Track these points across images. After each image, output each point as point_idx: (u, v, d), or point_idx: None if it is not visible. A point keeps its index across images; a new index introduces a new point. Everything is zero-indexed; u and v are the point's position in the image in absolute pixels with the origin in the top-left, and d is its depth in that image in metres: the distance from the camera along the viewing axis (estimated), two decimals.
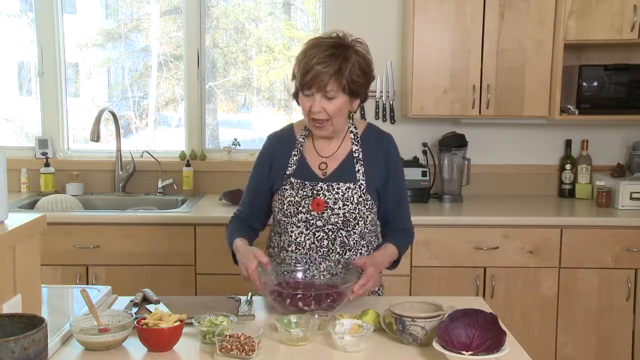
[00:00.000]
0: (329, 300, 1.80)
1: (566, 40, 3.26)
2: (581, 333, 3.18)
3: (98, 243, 3.08)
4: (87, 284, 3.00)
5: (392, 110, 3.66)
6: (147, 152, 3.65)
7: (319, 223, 2.01)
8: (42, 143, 3.67)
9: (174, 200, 3.55)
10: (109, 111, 3.57)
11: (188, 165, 3.61)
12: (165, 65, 3.92)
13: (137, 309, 1.86)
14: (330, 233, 2.02)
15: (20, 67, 3.93)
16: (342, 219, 2.00)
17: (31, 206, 3.37)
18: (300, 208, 2.01)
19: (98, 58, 3.95)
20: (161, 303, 1.90)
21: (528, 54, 3.30)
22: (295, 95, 2.01)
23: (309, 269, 1.99)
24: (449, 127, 3.64)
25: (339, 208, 2.00)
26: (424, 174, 3.44)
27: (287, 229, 2.05)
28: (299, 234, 2.03)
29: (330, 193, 2.00)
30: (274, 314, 1.83)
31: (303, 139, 2.10)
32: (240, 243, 1.99)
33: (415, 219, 3.12)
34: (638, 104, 3.35)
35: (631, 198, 3.30)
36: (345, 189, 2.01)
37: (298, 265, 2.00)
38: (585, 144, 3.64)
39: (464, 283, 3.13)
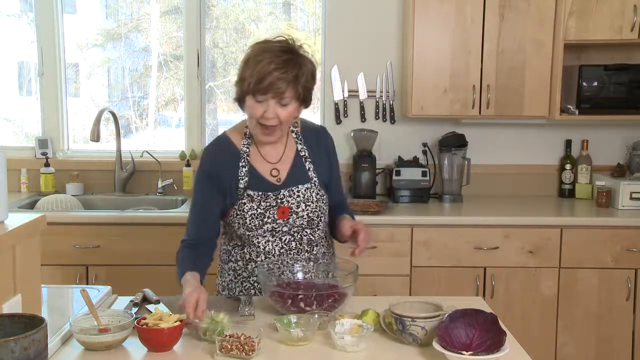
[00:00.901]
0: (330, 300, 1.80)
1: (566, 40, 3.25)
2: (581, 333, 3.18)
3: (98, 243, 3.08)
4: (87, 284, 3.00)
5: (392, 110, 3.66)
6: (147, 152, 3.65)
7: (285, 228, 1.99)
8: (42, 143, 3.67)
9: (174, 200, 3.55)
10: (109, 111, 3.57)
11: (188, 165, 3.61)
12: (165, 65, 3.92)
13: (137, 309, 1.86)
14: (296, 234, 2.01)
15: (20, 67, 3.93)
16: (306, 219, 2.00)
17: (31, 206, 3.37)
18: (265, 219, 1.97)
19: (98, 58, 3.95)
20: (161, 303, 1.90)
21: (528, 54, 3.30)
22: (240, 100, 1.94)
23: (283, 274, 1.95)
24: (449, 127, 3.64)
25: (302, 210, 1.99)
26: (424, 174, 3.44)
27: (252, 241, 2.00)
28: (266, 243, 2.00)
29: (292, 198, 1.98)
30: (274, 314, 1.82)
31: (247, 148, 2.02)
32: (189, 277, 1.87)
33: (415, 219, 3.15)
34: (638, 104, 3.35)
35: (631, 198, 3.30)
36: (305, 190, 2.00)
37: (297, 265, 1.99)
38: (585, 144, 3.64)
39: (464, 283, 3.13)
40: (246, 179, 1.98)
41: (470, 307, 1.62)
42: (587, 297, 3.15)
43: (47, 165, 3.59)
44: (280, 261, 1.98)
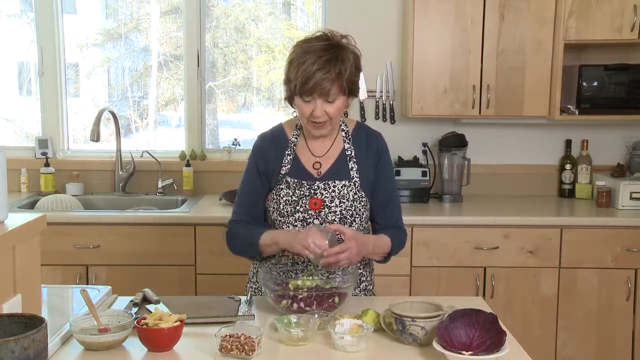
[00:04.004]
0: (330, 300, 1.80)
1: (566, 40, 3.26)
2: (581, 333, 3.18)
3: (98, 243, 3.08)
4: (87, 284, 3.00)
5: (392, 110, 3.66)
6: (147, 152, 3.65)
7: (316, 221, 2.01)
8: (42, 143, 3.67)
9: (174, 200, 3.55)
10: (109, 111, 3.57)
11: (188, 165, 3.61)
12: (165, 65, 3.92)
13: (137, 309, 1.86)
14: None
15: (20, 67, 3.93)
16: (339, 216, 2.01)
17: (31, 206, 3.37)
18: (298, 207, 2.00)
19: (98, 58, 3.95)
20: (161, 303, 1.89)
21: (528, 54, 3.30)
22: (290, 99, 1.99)
23: (306, 268, 1.99)
24: (449, 127, 3.64)
25: (336, 206, 2.00)
26: (424, 174, 3.44)
27: (283, 228, 2.04)
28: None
29: (326, 191, 2.01)
30: (274, 314, 1.82)
31: (295, 138, 2.08)
32: (272, 232, 1.98)
33: (415, 219, 3.15)
34: (638, 104, 3.35)
35: (631, 198, 3.30)
36: (341, 187, 2.02)
37: (297, 265, 1.99)
38: (585, 144, 3.64)
39: (464, 283, 3.13)
40: (289, 166, 2.05)
41: (470, 307, 1.62)
42: (587, 297, 3.15)
43: (47, 165, 3.59)
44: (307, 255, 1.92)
